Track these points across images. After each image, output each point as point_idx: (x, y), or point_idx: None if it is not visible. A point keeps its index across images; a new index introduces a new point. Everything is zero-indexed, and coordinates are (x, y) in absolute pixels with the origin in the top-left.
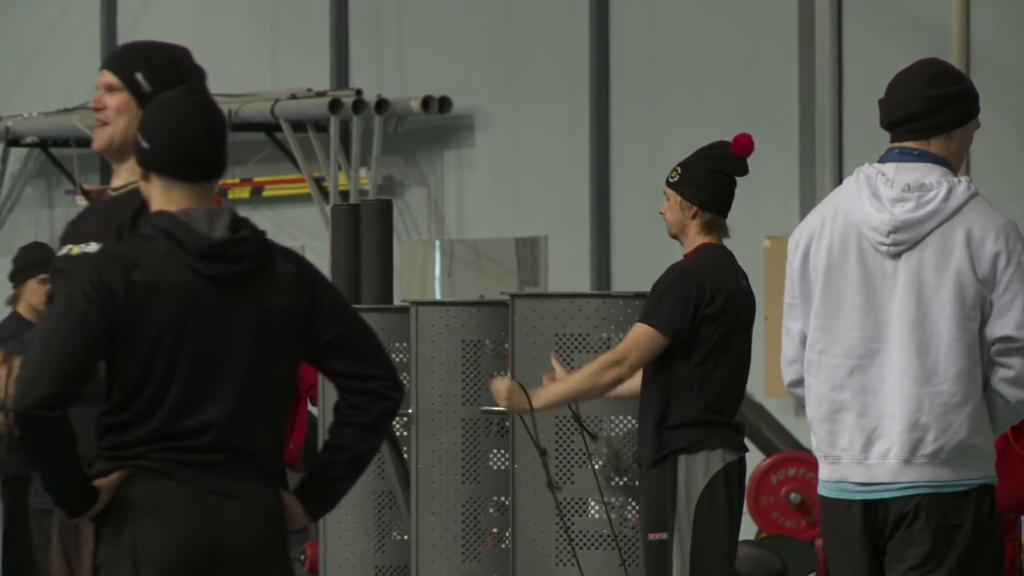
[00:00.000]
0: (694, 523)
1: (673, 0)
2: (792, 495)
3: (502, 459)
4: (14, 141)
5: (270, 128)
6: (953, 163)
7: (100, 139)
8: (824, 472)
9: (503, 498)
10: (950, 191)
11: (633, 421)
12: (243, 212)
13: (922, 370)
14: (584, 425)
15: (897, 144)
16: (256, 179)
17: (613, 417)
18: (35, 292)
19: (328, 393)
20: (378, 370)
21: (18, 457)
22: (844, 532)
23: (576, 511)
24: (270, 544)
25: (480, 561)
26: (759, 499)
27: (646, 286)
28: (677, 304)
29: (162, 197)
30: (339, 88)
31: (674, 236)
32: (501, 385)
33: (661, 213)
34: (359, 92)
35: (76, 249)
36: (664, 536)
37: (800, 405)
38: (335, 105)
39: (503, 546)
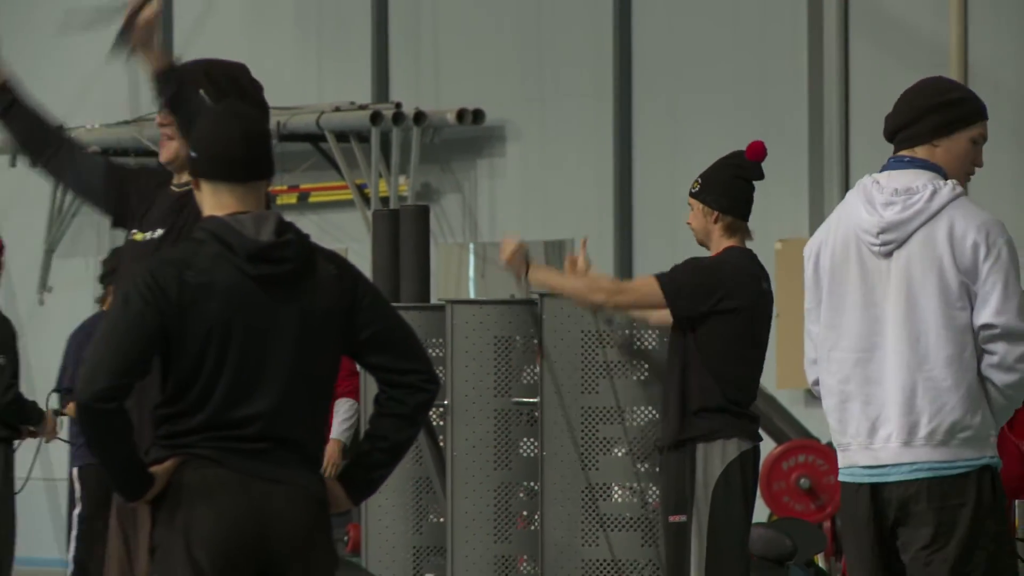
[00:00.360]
0: (711, 506)
1: (691, 21)
2: (802, 480)
3: (532, 447)
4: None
5: (316, 139)
6: (948, 170)
7: (166, 152)
8: (839, 460)
9: (532, 483)
10: (934, 192)
11: (654, 411)
12: (290, 217)
13: (914, 358)
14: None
15: (894, 155)
16: (303, 186)
17: (636, 408)
18: None
19: (369, 386)
20: (415, 364)
21: None
22: (853, 515)
23: (601, 495)
24: (314, 526)
25: (511, 542)
26: (771, 484)
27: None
28: (695, 288)
29: (212, 201)
30: (380, 101)
31: (702, 243)
32: (511, 243)
33: (688, 224)
34: (398, 105)
35: (140, 236)
36: (683, 518)
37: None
38: (376, 117)
39: (532, 528)
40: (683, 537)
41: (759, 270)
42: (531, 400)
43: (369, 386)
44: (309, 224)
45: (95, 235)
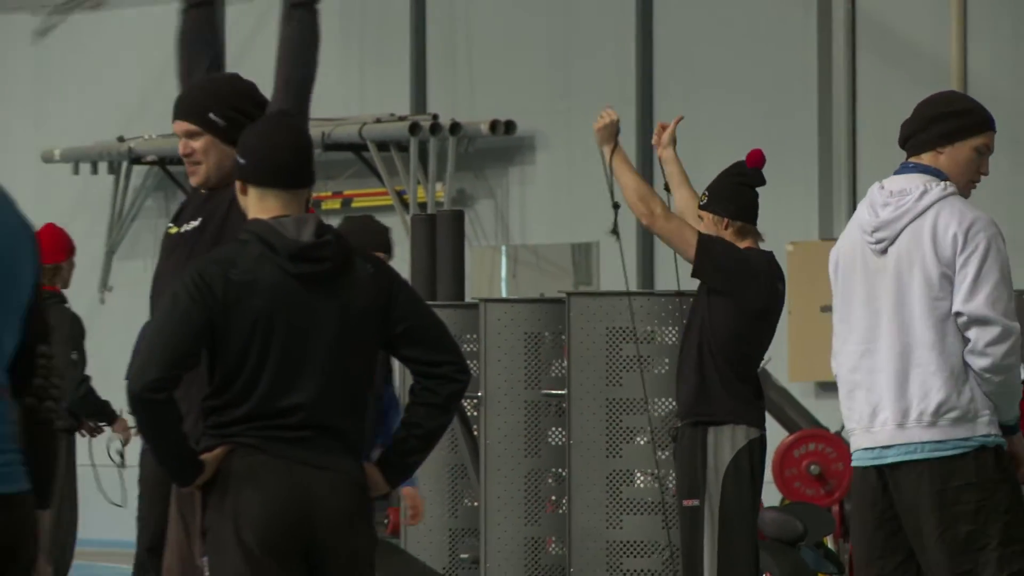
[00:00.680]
0: (722, 491)
1: (709, 37)
2: (812, 467)
3: (559, 436)
4: (136, 160)
5: (358, 148)
6: (951, 176)
7: (197, 177)
8: (851, 445)
9: (560, 470)
10: (924, 192)
11: (673, 402)
12: (333, 222)
13: (904, 347)
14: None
15: (906, 158)
16: (346, 192)
17: (656, 399)
18: None
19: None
20: (447, 356)
21: None
22: (859, 495)
23: (624, 481)
24: (355, 510)
25: (540, 524)
26: (783, 471)
27: (686, 285)
28: (719, 265)
29: (257, 205)
30: (418, 113)
31: None
32: (608, 115)
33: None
34: (435, 116)
35: (174, 229)
36: (696, 503)
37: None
38: (414, 128)
39: (560, 511)
40: (697, 520)
41: (776, 270)
42: (559, 392)
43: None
44: None
45: (153, 238)
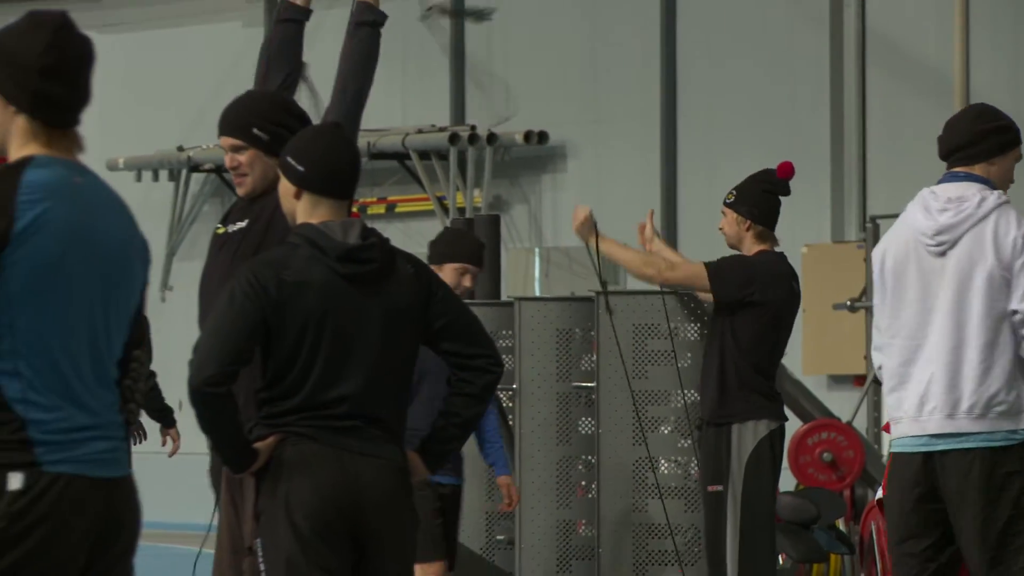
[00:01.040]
0: (744, 478)
1: (728, 53)
2: (824, 454)
3: (589, 425)
4: (194, 168)
5: (401, 157)
6: (997, 184)
7: (244, 188)
8: (892, 433)
9: (590, 457)
10: (982, 200)
11: (696, 394)
12: (378, 225)
13: (957, 343)
14: (597, 264)
15: (950, 170)
16: (390, 198)
17: (680, 391)
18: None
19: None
20: (482, 350)
21: None
22: (901, 482)
23: (650, 467)
24: (398, 493)
25: (571, 508)
26: (798, 458)
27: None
28: (737, 278)
29: (308, 211)
30: (457, 124)
31: (733, 247)
32: (582, 212)
33: (720, 229)
34: (473, 128)
35: (222, 229)
36: (720, 488)
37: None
38: (454, 138)
39: (590, 496)
40: (720, 504)
41: (790, 271)
42: (588, 384)
43: None
44: (395, 231)
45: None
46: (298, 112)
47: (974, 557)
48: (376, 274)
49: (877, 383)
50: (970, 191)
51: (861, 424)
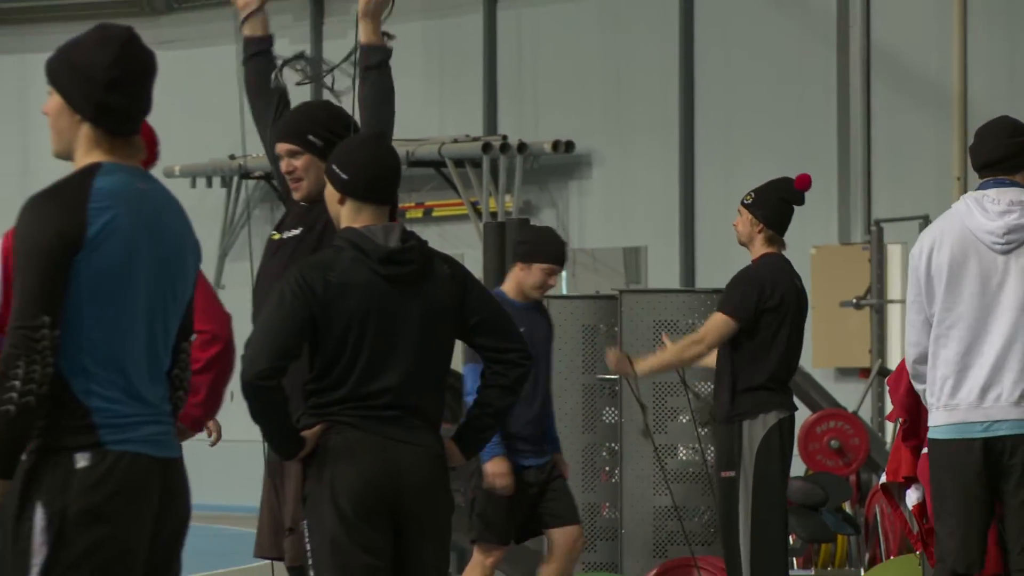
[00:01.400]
0: (755, 465)
1: (742, 68)
2: (832, 442)
3: (612, 415)
4: (245, 175)
5: (437, 165)
6: None
7: (300, 192)
8: (940, 419)
9: (613, 444)
10: None
11: (712, 385)
12: (416, 229)
13: (1021, 340)
14: (686, 383)
15: (991, 177)
16: (427, 203)
17: (696, 383)
18: (516, 275)
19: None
20: (513, 344)
21: None
22: (962, 469)
23: (669, 454)
24: (436, 479)
25: (596, 492)
26: (807, 445)
27: (722, 284)
28: (746, 297)
29: (352, 216)
30: (489, 134)
31: (743, 244)
32: (613, 355)
33: (734, 225)
34: (505, 137)
35: (277, 235)
36: (733, 474)
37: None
38: (487, 147)
39: (613, 481)
40: (733, 489)
41: (791, 270)
42: (612, 377)
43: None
44: (432, 234)
45: (260, 243)
46: (350, 122)
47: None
48: (415, 275)
49: (881, 375)
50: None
51: (866, 414)
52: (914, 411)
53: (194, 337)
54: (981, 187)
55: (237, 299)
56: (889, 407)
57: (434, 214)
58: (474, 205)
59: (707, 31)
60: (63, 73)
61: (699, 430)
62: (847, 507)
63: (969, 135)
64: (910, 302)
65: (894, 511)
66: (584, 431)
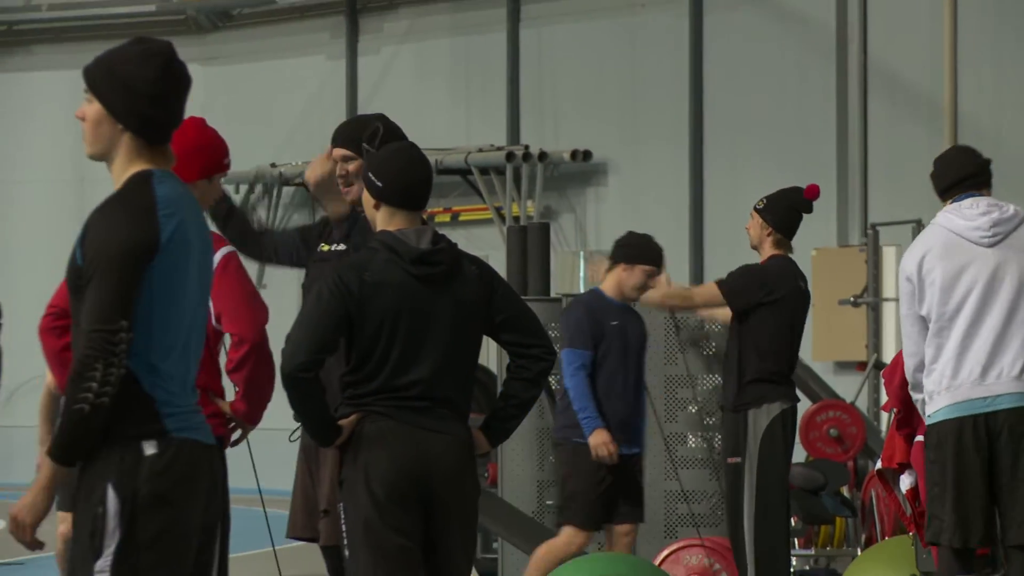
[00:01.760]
0: (759, 451)
1: (747, 84)
2: (831, 430)
3: None
4: (285, 182)
5: (464, 172)
6: None
7: (350, 195)
8: (943, 402)
9: None
10: (1015, 207)
11: (718, 378)
12: (444, 232)
13: (1018, 320)
14: (691, 375)
15: (960, 193)
16: (454, 208)
17: (704, 376)
18: (619, 275)
19: (502, 359)
20: (537, 340)
21: None
22: (964, 446)
23: (678, 442)
24: (464, 465)
25: None
26: (808, 433)
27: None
28: (746, 286)
29: (386, 220)
30: (512, 144)
31: (754, 247)
32: (602, 266)
33: (746, 228)
34: (527, 147)
35: (326, 247)
36: (739, 460)
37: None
38: (510, 156)
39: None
40: (738, 474)
41: (797, 272)
42: None
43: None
44: (458, 237)
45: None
46: (402, 136)
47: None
48: (445, 275)
49: (877, 368)
50: (998, 202)
51: (863, 404)
52: (907, 402)
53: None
54: (954, 202)
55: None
56: (884, 398)
57: (461, 218)
58: (498, 210)
59: (715, 48)
60: (105, 84)
61: (706, 420)
62: (845, 491)
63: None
64: (904, 315)
65: (889, 495)
66: None
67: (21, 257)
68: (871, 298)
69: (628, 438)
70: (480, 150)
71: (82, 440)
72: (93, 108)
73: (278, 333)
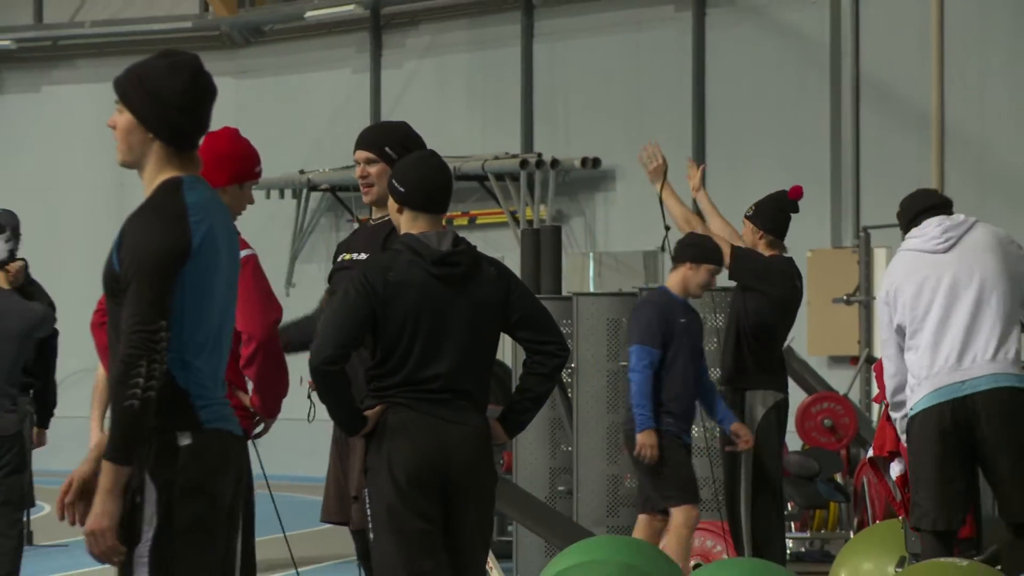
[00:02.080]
0: (755, 440)
1: (747, 95)
2: (825, 421)
3: None
4: (313, 187)
5: (480, 179)
6: None
7: (370, 196)
8: (923, 391)
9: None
10: (963, 216)
11: (719, 371)
12: (462, 234)
13: (987, 310)
14: (662, 209)
15: (923, 221)
16: (472, 212)
17: (713, 368)
18: (684, 273)
19: (517, 355)
20: (552, 337)
21: None
22: (942, 431)
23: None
24: (481, 454)
25: (619, 464)
26: (804, 423)
27: (727, 283)
28: (750, 268)
29: (409, 224)
30: (526, 151)
31: None
32: (658, 160)
33: (740, 236)
34: (540, 155)
35: (349, 256)
36: (735, 449)
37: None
38: (524, 163)
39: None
40: (735, 462)
41: (795, 272)
42: None
43: (518, 354)
44: (476, 239)
45: (325, 247)
46: (423, 144)
47: (1015, 480)
48: (464, 275)
49: (868, 362)
50: (952, 215)
51: (855, 396)
52: None
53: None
54: (924, 227)
55: (307, 296)
56: (875, 390)
57: (478, 222)
58: (513, 214)
59: (716, 62)
60: (136, 95)
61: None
62: (838, 478)
63: (946, 153)
64: (884, 339)
65: (880, 481)
66: (608, 411)
67: (65, 257)
68: (863, 296)
69: (689, 428)
70: (496, 157)
71: (137, 436)
72: (124, 118)
73: None
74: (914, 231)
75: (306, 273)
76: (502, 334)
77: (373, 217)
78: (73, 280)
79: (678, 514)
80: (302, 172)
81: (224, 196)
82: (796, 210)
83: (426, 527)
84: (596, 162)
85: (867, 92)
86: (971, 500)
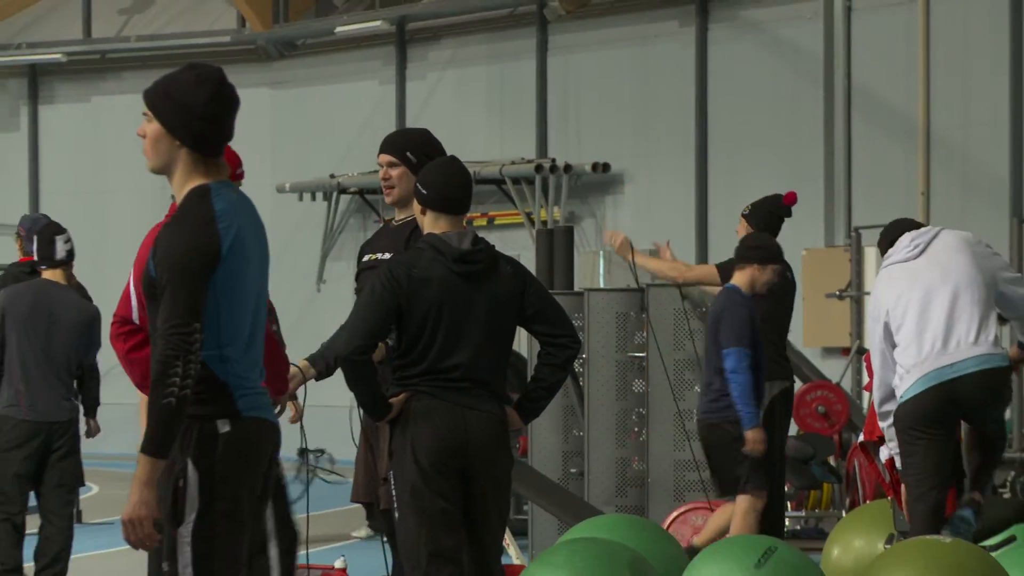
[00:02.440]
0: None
1: (746, 104)
2: (819, 408)
3: (641, 385)
4: (343, 191)
5: (498, 182)
6: None
7: (391, 197)
8: (912, 378)
9: (641, 409)
10: (930, 226)
11: None
12: (481, 234)
13: (964, 299)
14: (634, 272)
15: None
16: (490, 213)
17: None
18: (752, 274)
19: (532, 346)
20: (564, 330)
21: None
22: (928, 414)
23: (687, 417)
24: (498, 438)
25: (627, 448)
26: (799, 410)
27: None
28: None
29: (431, 224)
30: (541, 157)
31: None
32: (618, 237)
33: (736, 232)
34: (553, 160)
35: (374, 256)
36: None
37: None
38: (539, 168)
39: (641, 439)
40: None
41: (784, 265)
42: (640, 354)
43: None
44: (494, 239)
45: (354, 246)
46: (442, 151)
47: (992, 457)
48: (483, 272)
49: (859, 353)
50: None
51: (847, 385)
52: None
53: None
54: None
55: (336, 292)
56: (866, 379)
57: (496, 223)
58: (528, 215)
59: (718, 74)
60: (164, 105)
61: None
62: (831, 461)
63: (932, 158)
64: (873, 351)
65: (870, 464)
66: (617, 398)
67: (112, 257)
68: (854, 292)
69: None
70: (513, 163)
71: (173, 431)
72: (152, 126)
73: (336, 323)
74: (890, 250)
75: (336, 270)
76: (518, 327)
77: (396, 218)
78: (120, 280)
79: (746, 500)
80: (332, 176)
81: None
82: (789, 214)
83: (447, 506)
84: (606, 167)
85: (858, 102)
86: (959, 480)
